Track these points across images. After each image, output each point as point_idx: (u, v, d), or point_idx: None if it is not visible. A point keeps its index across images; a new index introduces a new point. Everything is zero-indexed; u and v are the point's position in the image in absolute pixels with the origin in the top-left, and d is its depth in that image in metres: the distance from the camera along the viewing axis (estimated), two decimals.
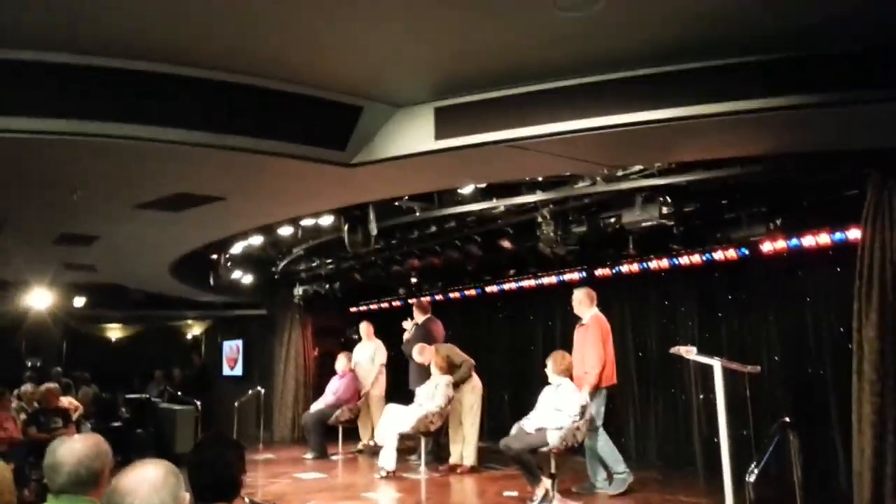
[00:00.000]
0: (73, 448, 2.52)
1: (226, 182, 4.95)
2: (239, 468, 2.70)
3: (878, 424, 4.36)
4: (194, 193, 5.19)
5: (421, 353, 7.89)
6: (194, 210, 5.66)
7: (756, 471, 3.42)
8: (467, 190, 6.30)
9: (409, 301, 11.10)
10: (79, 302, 11.89)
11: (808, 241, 6.09)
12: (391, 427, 7.46)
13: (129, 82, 3.66)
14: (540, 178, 5.97)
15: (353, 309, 12.14)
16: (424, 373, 7.79)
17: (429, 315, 8.50)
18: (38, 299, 11.21)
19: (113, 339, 16.56)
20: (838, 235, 5.90)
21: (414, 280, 10.25)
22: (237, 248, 8.32)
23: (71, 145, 3.95)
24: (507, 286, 9.51)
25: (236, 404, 10.60)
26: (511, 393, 9.98)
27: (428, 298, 10.06)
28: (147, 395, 13.12)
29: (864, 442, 4.43)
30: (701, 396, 7.42)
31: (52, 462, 2.50)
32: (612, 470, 6.28)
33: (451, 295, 10.36)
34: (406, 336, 8.52)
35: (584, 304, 6.60)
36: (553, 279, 8.74)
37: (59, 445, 2.56)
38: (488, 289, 9.79)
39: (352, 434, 9.43)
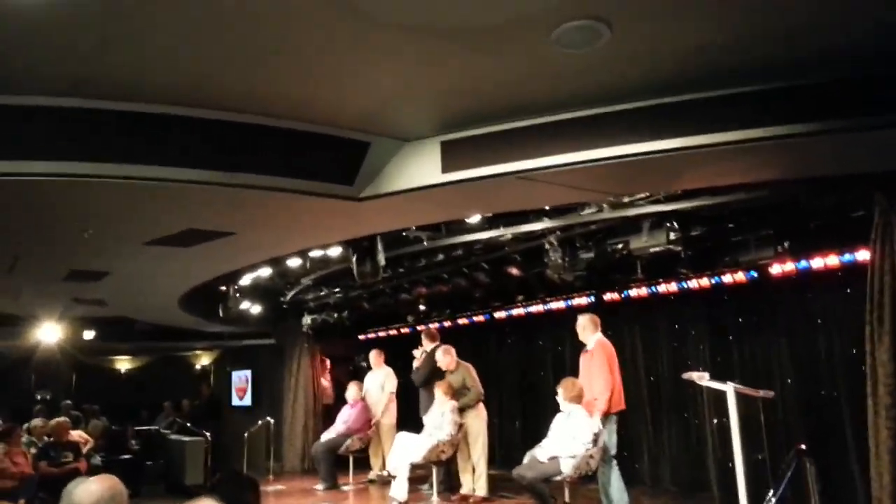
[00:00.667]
0: (90, 489, 2.52)
1: (236, 218, 4.99)
2: None
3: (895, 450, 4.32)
4: (204, 229, 5.23)
5: (446, 354, 7.93)
6: (204, 245, 5.70)
7: (774, 499, 3.38)
8: (474, 219, 6.33)
9: (418, 328, 11.10)
10: (88, 335, 11.92)
11: (817, 262, 6.08)
12: (402, 456, 7.42)
13: (140, 125, 3.72)
14: (546, 207, 6.00)
15: (361, 337, 12.14)
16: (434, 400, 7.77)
17: (437, 342, 8.49)
18: (48, 333, 11.24)
19: (122, 371, 16.57)
20: (847, 257, 5.90)
21: (422, 307, 10.25)
22: (246, 280, 8.35)
23: (82, 187, 4.00)
24: (515, 312, 9.50)
25: (246, 435, 10.57)
26: (521, 419, 9.92)
27: (436, 325, 10.07)
28: (156, 427, 13.12)
29: (882, 467, 4.38)
30: (714, 421, 7.35)
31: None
32: None
33: (460, 321, 10.36)
34: (415, 364, 8.51)
35: (588, 329, 6.58)
36: (562, 304, 8.74)
37: (75, 487, 2.56)
38: (497, 315, 9.78)
39: (363, 464, 9.37)
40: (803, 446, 3.97)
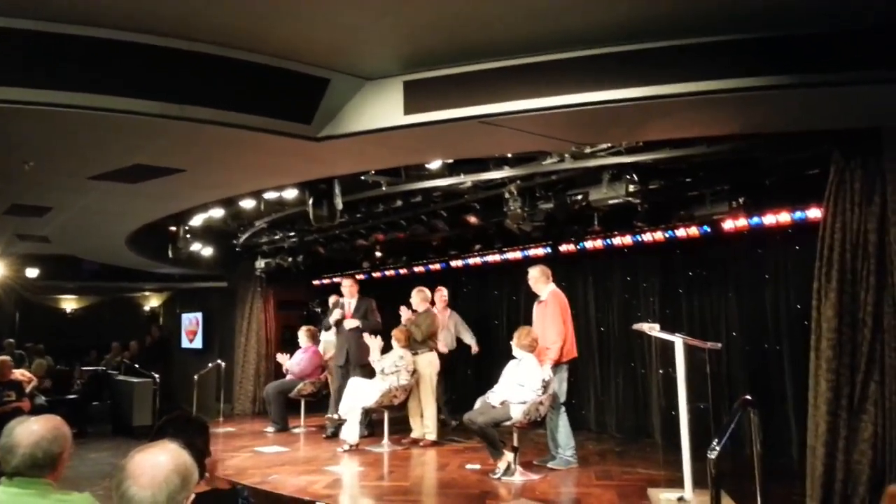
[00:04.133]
0: (31, 429, 2.45)
1: (186, 154, 4.78)
2: (204, 452, 2.64)
3: (833, 400, 4.46)
4: (152, 165, 5.00)
5: (419, 294, 8.00)
6: (152, 182, 5.48)
7: (718, 448, 3.48)
8: (434, 165, 6.23)
9: (374, 275, 11.05)
10: (32, 273, 11.53)
11: (769, 219, 6.20)
12: (355, 401, 7.45)
13: (83, 50, 3.47)
14: (508, 155, 5.94)
15: (316, 282, 12.03)
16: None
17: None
18: None
19: (68, 311, 16.20)
20: (798, 214, 6.02)
21: (378, 254, 10.17)
22: (197, 220, 8.13)
23: (20, 114, 3.75)
24: (472, 261, 9.51)
25: (196, 377, 10.47)
26: (475, 366, 10.03)
27: (392, 273, 10.02)
28: (103, 368, 12.90)
29: (819, 417, 4.54)
30: (660, 371, 7.56)
31: (8, 443, 2.42)
32: (561, 451, 6.40)
33: (416, 269, 10.33)
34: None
35: (540, 281, 6.66)
36: (518, 254, 8.78)
37: (16, 426, 2.49)
38: (453, 263, 9.78)
39: (315, 407, 9.39)
40: (749, 397, 4.08)
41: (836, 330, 4.49)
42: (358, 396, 7.45)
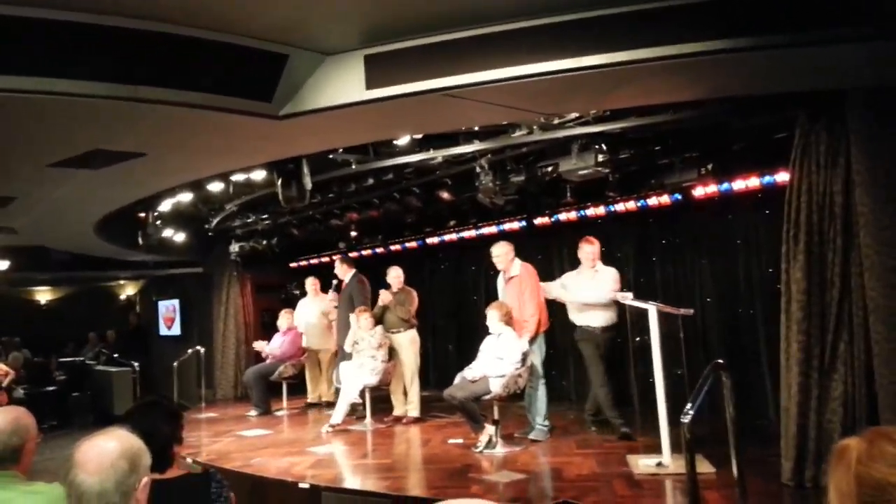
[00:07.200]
0: None
1: (144, 137, 4.66)
2: (173, 438, 2.58)
3: (804, 361, 4.51)
4: (111, 150, 4.88)
5: (393, 270, 8.04)
6: (115, 167, 5.35)
7: (691, 412, 3.50)
8: (403, 141, 6.16)
9: (351, 255, 10.97)
10: (1, 265, 11.30)
11: (739, 184, 6.21)
12: (357, 382, 7.41)
13: (27, 32, 3.35)
14: (477, 128, 5.88)
15: (293, 264, 11.95)
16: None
17: (354, 270, 8.42)
18: None
19: (42, 302, 15.97)
20: (767, 179, 6.04)
21: (354, 233, 10.10)
22: (166, 205, 7.99)
23: None
24: (447, 237, 9.48)
25: (175, 364, 10.40)
26: (455, 342, 10.06)
27: (370, 252, 9.98)
28: (82, 359, 12.78)
29: (791, 378, 4.59)
30: (637, 339, 7.60)
31: None
32: (535, 421, 6.46)
33: (393, 247, 10.28)
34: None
35: (509, 256, 6.65)
36: (494, 229, 8.76)
37: None
38: (429, 240, 9.75)
39: (297, 389, 9.37)
40: (720, 361, 4.10)
41: (805, 292, 4.52)
42: (358, 377, 7.42)
